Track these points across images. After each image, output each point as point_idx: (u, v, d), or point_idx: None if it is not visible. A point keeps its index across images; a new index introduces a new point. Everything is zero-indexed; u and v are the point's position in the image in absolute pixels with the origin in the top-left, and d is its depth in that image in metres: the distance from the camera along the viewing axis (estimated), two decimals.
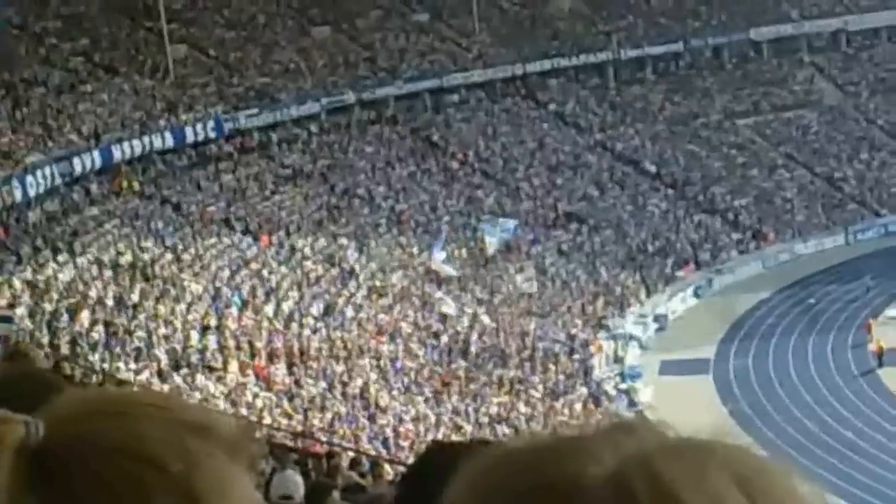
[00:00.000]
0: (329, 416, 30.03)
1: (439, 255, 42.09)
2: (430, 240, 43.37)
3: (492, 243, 44.27)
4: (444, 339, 37.84)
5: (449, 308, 39.35)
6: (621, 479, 0.88)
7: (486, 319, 39.97)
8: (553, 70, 56.94)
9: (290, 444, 20.08)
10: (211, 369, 30.17)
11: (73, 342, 28.15)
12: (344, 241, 42.05)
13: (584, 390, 37.44)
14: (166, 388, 27.61)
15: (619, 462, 0.89)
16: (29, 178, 35.95)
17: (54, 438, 0.96)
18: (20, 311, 28.21)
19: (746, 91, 60.09)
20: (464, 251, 44.32)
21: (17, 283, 30.19)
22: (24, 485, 0.95)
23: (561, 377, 37.82)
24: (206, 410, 1.03)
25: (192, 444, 0.98)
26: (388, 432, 30.58)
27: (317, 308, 36.31)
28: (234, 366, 30.61)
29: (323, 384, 32.08)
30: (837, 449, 33.01)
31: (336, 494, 8.05)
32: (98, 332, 29.13)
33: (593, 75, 58.34)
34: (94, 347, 28.47)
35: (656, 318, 44.37)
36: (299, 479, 8.26)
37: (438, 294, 40.01)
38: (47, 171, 37.02)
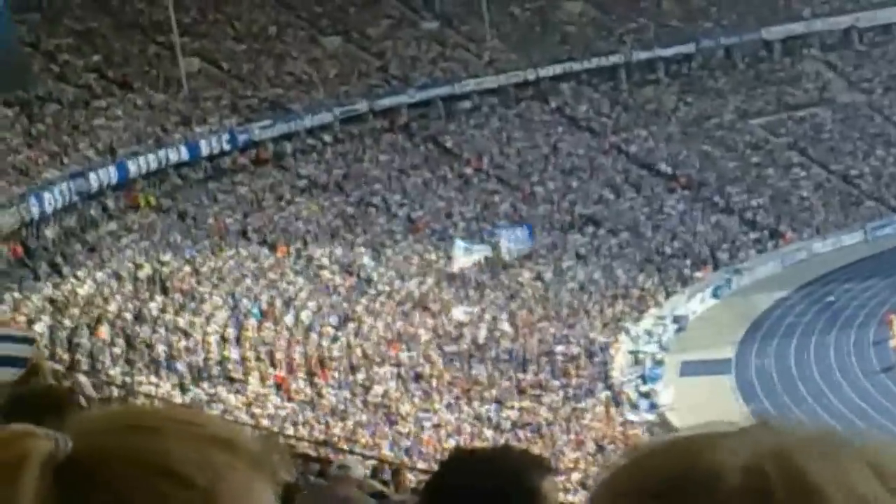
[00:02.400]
0: (350, 424, 30.03)
1: (460, 250, 42.10)
2: (448, 246, 43.33)
3: (509, 250, 44.27)
4: (464, 345, 37.80)
5: (462, 314, 39.32)
6: (757, 470, 0.89)
7: (505, 324, 39.91)
8: (565, 74, 56.91)
9: (311, 453, 20.07)
10: (231, 381, 30.21)
11: (93, 357, 28.22)
12: (360, 249, 42.09)
13: (605, 393, 37.35)
14: (187, 400, 27.66)
15: (756, 454, 0.90)
16: (46, 195, 36.07)
17: (80, 453, 0.96)
18: (39, 327, 28.28)
19: (759, 91, 59.95)
20: (481, 257, 44.26)
21: (36, 300, 30.29)
22: (50, 499, 0.95)
23: (581, 380, 37.74)
24: (229, 424, 1.04)
25: (217, 458, 0.98)
26: (410, 439, 30.56)
27: (335, 317, 36.34)
28: (254, 377, 30.65)
29: (343, 393, 32.09)
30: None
31: None
32: (118, 346, 29.21)
33: (605, 78, 58.28)
34: (114, 361, 28.55)
35: (675, 320, 44.24)
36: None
37: (456, 309, 39.94)
38: (64, 187, 37.14)
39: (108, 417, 1.00)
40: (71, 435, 0.97)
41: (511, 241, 44.22)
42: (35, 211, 35.29)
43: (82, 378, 23.39)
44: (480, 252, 42.83)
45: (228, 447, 0.99)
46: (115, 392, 24.70)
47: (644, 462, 0.93)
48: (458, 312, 39.37)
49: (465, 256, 42.17)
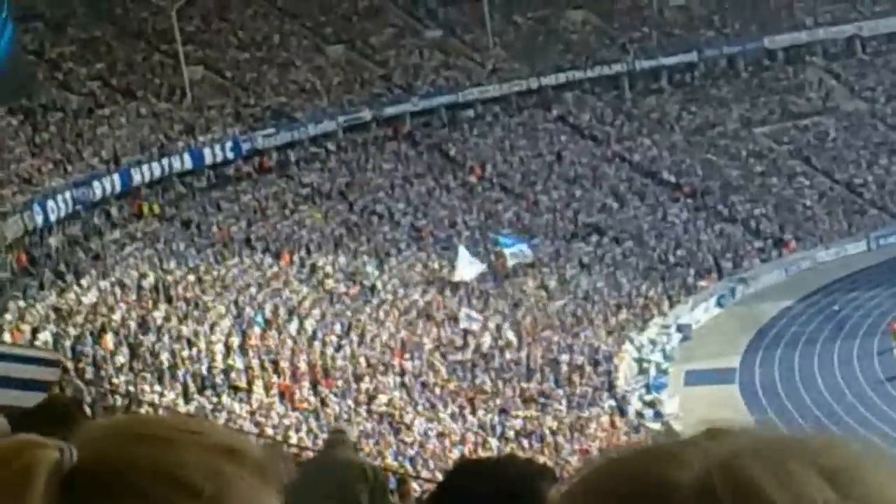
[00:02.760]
0: (355, 433, 29.97)
1: (464, 259, 42.09)
2: (452, 255, 43.31)
3: (513, 257, 44.25)
4: (468, 353, 37.77)
5: (469, 323, 39.28)
6: (706, 483, 0.90)
7: (509, 333, 39.88)
8: (568, 83, 56.94)
9: None
10: (236, 389, 30.17)
11: (98, 365, 28.19)
12: (364, 257, 42.09)
13: (609, 403, 37.31)
14: (192, 409, 27.63)
15: (706, 466, 0.91)
16: (50, 203, 36.09)
17: (87, 463, 0.97)
18: (43, 335, 28.27)
19: (762, 99, 59.98)
20: (484, 265, 44.25)
21: (40, 308, 30.27)
22: None
23: (586, 389, 37.69)
24: (235, 433, 1.04)
25: (224, 467, 0.99)
26: (414, 449, 30.51)
27: (339, 326, 36.32)
28: (258, 386, 30.61)
29: (348, 402, 32.05)
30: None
31: None
32: (122, 355, 29.19)
33: (608, 87, 58.31)
34: (118, 370, 28.52)
35: (680, 329, 44.22)
36: None
37: (463, 311, 39.90)
38: (67, 195, 37.17)
39: (114, 427, 1.01)
40: (77, 445, 0.97)
41: (512, 256, 44.19)
42: (39, 219, 35.32)
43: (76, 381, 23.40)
44: (481, 265, 42.84)
45: (235, 456, 0.99)
46: (120, 401, 24.67)
47: (600, 476, 0.94)
48: (466, 322, 39.31)
49: (468, 267, 42.13)
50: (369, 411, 32.14)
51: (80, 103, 44.13)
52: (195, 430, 1.01)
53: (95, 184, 38.96)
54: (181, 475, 0.96)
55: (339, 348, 34.86)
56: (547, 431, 34.00)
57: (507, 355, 38.44)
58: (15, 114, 41.31)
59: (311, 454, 22.42)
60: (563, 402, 36.53)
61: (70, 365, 27.58)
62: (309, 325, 35.48)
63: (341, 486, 6.70)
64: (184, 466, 0.96)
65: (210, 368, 30.49)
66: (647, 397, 38.76)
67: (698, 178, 54.66)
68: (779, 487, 0.87)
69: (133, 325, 31.32)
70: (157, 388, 28.50)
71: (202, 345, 31.46)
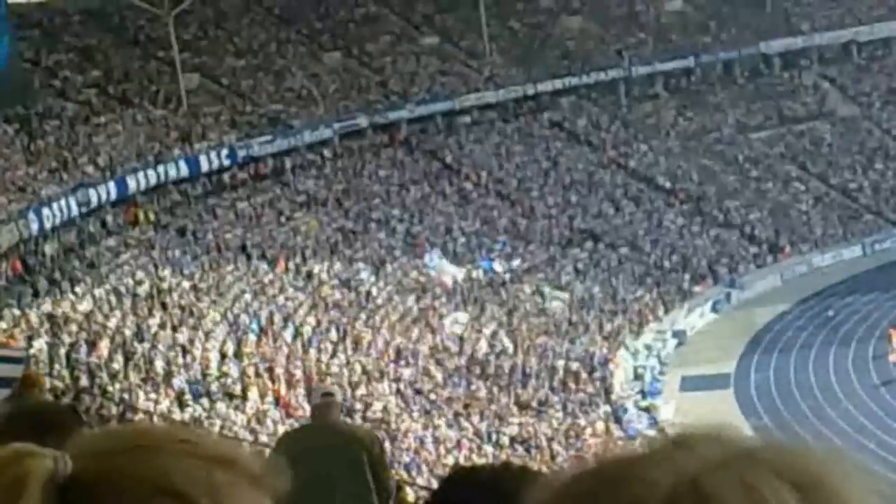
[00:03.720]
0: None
1: (438, 263, 42.23)
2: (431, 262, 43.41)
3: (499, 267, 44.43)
4: (463, 360, 37.79)
5: (457, 325, 39.32)
6: (673, 499, 0.89)
7: (504, 340, 39.90)
8: (564, 89, 56.99)
9: None
10: (231, 397, 30.18)
11: (92, 373, 28.21)
12: (360, 264, 42.10)
13: (605, 409, 37.32)
14: (186, 416, 27.64)
15: (673, 482, 0.90)
16: (45, 211, 36.10)
17: (82, 473, 0.97)
18: (38, 343, 28.29)
19: (758, 105, 60.05)
20: (480, 272, 44.30)
21: (34, 316, 30.29)
22: None
23: (581, 396, 37.71)
24: (228, 442, 1.05)
25: (218, 476, 0.99)
26: (409, 455, 30.52)
27: (334, 332, 36.33)
28: (253, 393, 30.61)
29: (343, 409, 32.04)
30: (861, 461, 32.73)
31: None
32: (117, 362, 29.20)
33: (604, 93, 58.37)
34: (113, 378, 28.53)
35: (675, 334, 44.26)
36: None
37: (451, 316, 39.94)
38: (63, 203, 37.16)
39: (108, 437, 1.02)
40: (71, 454, 0.98)
41: (497, 263, 44.28)
42: (34, 227, 35.31)
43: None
44: (458, 269, 42.94)
45: (229, 465, 1.01)
46: (115, 409, 24.68)
47: (570, 491, 0.95)
48: (450, 323, 39.32)
49: (447, 270, 42.23)
50: (364, 418, 32.13)
51: (77, 111, 44.17)
52: (188, 439, 1.01)
53: (91, 191, 38.96)
54: (175, 485, 0.97)
55: (334, 355, 34.87)
56: (542, 438, 34.01)
57: (503, 362, 38.46)
58: (11, 121, 41.34)
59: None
60: (559, 408, 36.54)
61: (65, 373, 27.63)
62: (304, 331, 35.50)
63: (342, 452, 6.58)
64: (178, 476, 0.97)
65: (205, 376, 30.51)
66: (643, 403, 38.77)
67: (694, 183, 54.71)
68: (743, 502, 0.87)
69: (128, 332, 31.33)
70: (153, 395, 28.51)
71: (197, 352, 31.48)
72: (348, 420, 24.85)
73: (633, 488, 0.90)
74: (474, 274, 43.91)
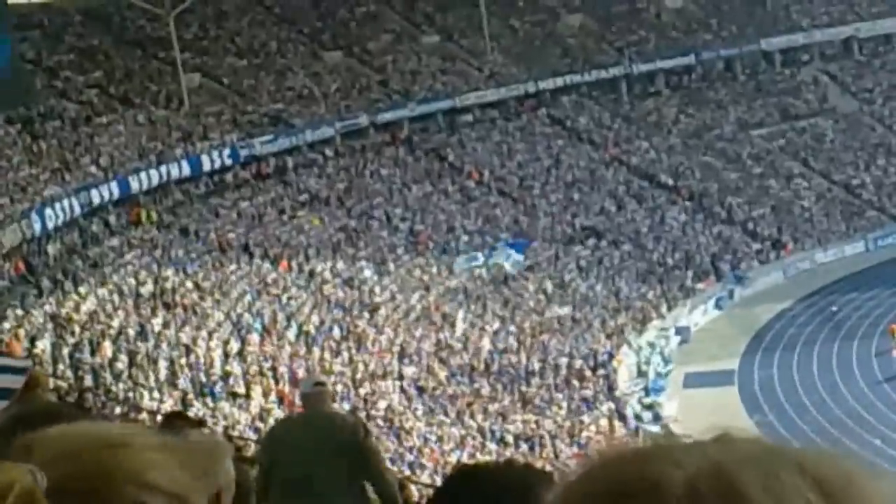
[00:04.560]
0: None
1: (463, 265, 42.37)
2: (449, 259, 43.39)
3: (509, 263, 44.35)
4: (467, 358, 37.79)
5: (461, 322, 39.38)
6: (696, 483, 0.91)
7: (507, 338, 39.90)
8: (566, 87, 56.99)
9: None
10: (234, 396, 30.20)
11: (96, 373, 28.23)
12: (362, 263, 42.11)
13: (608, 406, 37.32)
14: (191, 415, 27.62)
15: (697, 466, 0.92)
16: (48, 211, 36.12)
17: (57, 481, 0.98)
18: (42, 344, 28.30)
19: (760, 102, 60.04)
20: (483, 271, 44.29)
21: (38, 316, 30.30)
22: None
23: (585, 393, 37.71)
24: (162, 435, 1.07)
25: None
26: (413, 454, 30.53)
27: (338, 331, 36.34)
28: (257, 392, 30.64)
29: (346, 407, 32.04)
30: (865, 457, 32.77)
31: None
32: (121, 362, 29.21)
33: (606, 90, 58.37)
34: (117, 378, 28.55)
35: (678, 331, 44.23)
36: None
37: (458, 315, 39.98)
38: (66, 203, 37.19)
39: (70, 439, 1.03)
40: (38, 464, 0.98)
41: (507, 261, 44.25)
42: (37, 227, 35.33)
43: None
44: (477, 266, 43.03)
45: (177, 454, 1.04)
46: (118, 409, 24.68)
47: (596, 471, 0.96)
48: (460, 323, 39.40)
49: (465, 269, 42.32)
50: (368, 416, 32.13)
51: (78, 111, 44.18)
52: (131, 433, 1.04)
53: (93, 191, 38.99)
54: (149, 479, 0.99)
55: (337, 354, 34.89)
56: (546, 435, 34.01)
57: (506, 359, 38.46)
58: (13, 122, 41.35)
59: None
60: (562, 405, 36.54)
61: (69, 373, 27.64)
62: (307, 330, 35.51)
63: (336, 440, 6.57)
64: (151, 471, 1.00)
65: (208, 375, 30.53)
66: (646, 400, 38.77)
67: (696, 180, 54.71)
68: (765, 494, 0.89)
69: (131, 332, 31.35)
70: (156, 395, 28.54)
71: (200, 351, 31.49)
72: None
73: (659, 468, 0.92)
74: (479, 272, 43.91)
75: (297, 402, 31.18)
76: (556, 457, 32.35)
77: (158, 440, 1.04)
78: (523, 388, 36.99)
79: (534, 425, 34.63)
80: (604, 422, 35.65)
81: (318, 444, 6.48)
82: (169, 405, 27.81)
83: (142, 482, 0.99)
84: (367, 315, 38.11)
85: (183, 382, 29.62)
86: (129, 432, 1.04)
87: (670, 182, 54.12)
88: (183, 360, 30.68)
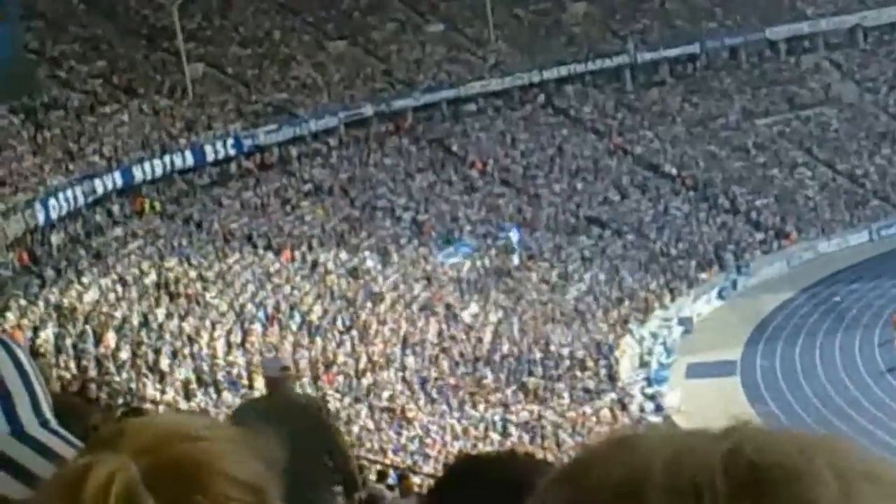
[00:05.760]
0: (356, 429, 30.07)
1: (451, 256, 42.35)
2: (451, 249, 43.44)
3: (515, 250, 44.39)
4: (469, 348, 37.84)
5: (469, 313, 39.41)
6: (725, 469, 0.88)
7: (511, 327, 39.94)
8: (570, 76, 56.92)
9: None
10: (237, 386, 30.26)
11: (100, 363, 28.30)
12: (366, 253, 42.15)
13: (611, 396, 37.36)
14: (193, 406, 27.73)
15: (717, 455, 0.89)
16: (51, 201, 36.19)
17: (149, 473, 0.99)
18: (45, 334, 28.37)
19: (764, 91, 59.92)
20: (486, 260, 44.31)
21: (41, 306, 30.37)
22: None
23: (587, 383, 37.75)
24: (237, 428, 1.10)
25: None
26: (416, 444, 30.60)
27: (341, 321, 36.39)
28: (260, 382, 30.65)
29: (349, 398, 32.13)
30: (868, 448, 32.72)
31: None
32: (124, 352, 29.28)
33: (610, 80, 58.29)
34: (120, 368, 28.61)
35: (681, 322, 44.24)
36: None
37: (463, 307, 40.01)
38: (69, 193, 37.26)
39: (153, 430, 1.04)
40: (129, 456, 1.00)
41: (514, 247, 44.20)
42: (41, 217, 35.40)
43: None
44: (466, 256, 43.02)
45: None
46: (121, 399, 24.75)
47: (582, 462, 0.95)
48: (467, 315, 39.45)
49: (455, 258, 42.33)
50: (371, 407, 32.22)
51: (82, 101, 44.21)
52: (208, 425, 1.06)
53: (97, 181, 39.03)
54: (238, 474, 1.01)
55: (340, 344, 34.94)
56: (548, 426, 34.07)
57: (509, 349, 38.51)
58: (17, 112, 41.41)
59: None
60: (565, 396, 36.59)
61: (72, 364, 27.72)
62: (310, 321, 35.57)
63: (300, 419, 6.71)
64: (235, 462, 1.02)
65: (212, 365, 30.59)
66: (649, 390, 38.81)
67: (700, 170, 54.66)
68: (787, 471, 0.88)
69: (135, 322, 31.42)
70: (159, 385, 28.60)
71: (204, 341, 31.56)
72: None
73: (647, 456, 0.90)
74: (482, 261, 43.93)
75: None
76: (559, 447, 32.40)
77: (233, 432, 1.06)
78: (525, 379, 37.04)
79: (536, 416, 34.68)
80: (606, 412, 35.70)
81: (284, 424, 6.62)
82: (171, 395, 27.89)
83: (225, 474, 1.00)
84: (369, 305, 38.15)
85: (185, 372, 29.69)
86: (207, 424, 1.06)
87: (674, 171, 54.08)
88: (186, 351, 30.74)
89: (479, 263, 43.95)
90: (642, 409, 37.19)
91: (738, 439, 0.90)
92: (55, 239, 35.90)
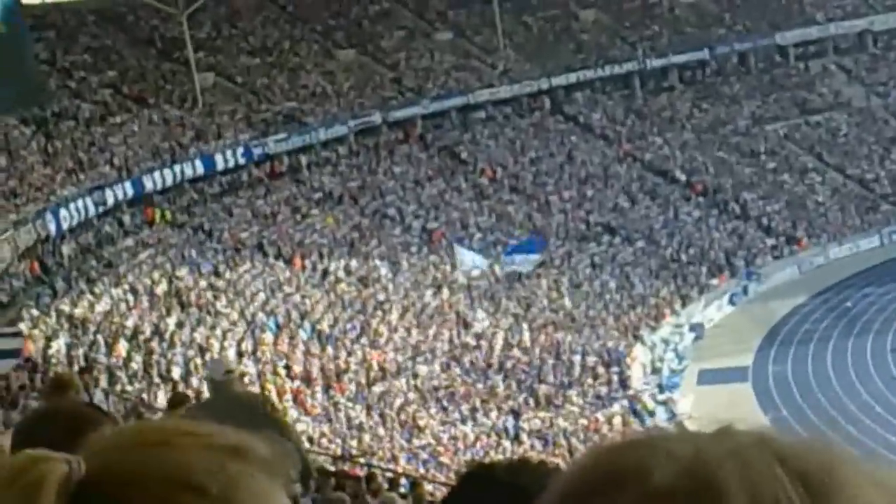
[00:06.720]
0: (367, 437, 30.08)
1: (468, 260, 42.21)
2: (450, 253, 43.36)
3: (525, 263, 44.24)
4: (480, 355, 37.81)
5: (480, 321, 39.36)
6: (674, 475, 0.90)
7: (521, 335, 39.90)
8: (579, 83, 56.91)
9: (329, 467, 20.11)
10: None
11: (111, 373, 28.34)
12: (376, 261, 42.16)
13: (623, 403, 37.30)
14: None
15: (680, 459, 0.91)
16: (62, 212, 36.27)
17: (95, 474, 0.99)
18: (56, 344, 28.43)
19: (774, 96, 59.84)
20: (497, 268, 44.28)
21: (53, 316, 30.44)
22: None
23: (599, 390, 37.70)
24: (238, 432, 1.06)
25: (229, 465, 1.00)
26: (427, 452, 30.58)
27: (352, 330, 36.40)
28: (271, 391, 30.69)
29: (360, 406, 32.13)
30: (881, 453, 32.67)
31: None
32: (136, 362, 29.33)
33: (619, 86, 58.26)
34: (132, 377, 28.66)
35: (692, 328, 44.16)
36: None
37: (473, 314, 39.99)
38: (80, 203, 37.34)
39: (118, 436, 1.03)
40: (84, 456, 0.99)
41: (521, 264, 43.95)
42: (52, 227, 35.48)
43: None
44: (483, 265, 42.87)
45: (240, 454, 1.02)
46: (133, 408, 24.78)
47: (584, 464, 0.98)
48: (477, 323, 39.41)
49: (470, 265, 42.21)
50: (382, 415, 32.22)
51: (92, 111, 44.34)
52: (200, 432, 1.03)
53: (108, 191, 39.12)
54: (186, 477, 0.98)
55: (351, 352, 34.95)
56: (560, 433, 34.02)
57: (520, 357, 38.47)
58: (27, 123, 41.53)
59: (323, 459, 22.52)
60: (577, 403, 36.54)
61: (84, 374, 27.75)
62: (321, 329, 35.58)
63: (252, 419, 6.76)
64: (189, 468, 0.98)
65: None
66: (660, 397, 38.73)
67: (710, 175, 54.59)
68: (741, 487, 0.88)
69: (146, 331, 31.48)
70: (171, 394, 28.60)
71: (215, 350, 31.58)
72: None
73: (640, 457, 0.92)
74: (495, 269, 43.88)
75: (310, 400, 31.29)
76: (571, 454, 32.35)
77: (215, 439, 1.02)
78: (537, 386, 36.99)
79: (548, 423, 34.64)
80: (618, 419, 35.64)
81: (231, 421, 6.71)
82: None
83: (179, 483, 0.98)
84: (380, 313, 38.15)
85: (197, 382, 29.70)
86: (180, 429, 1.03)
87: (684, 178, 54.01)
88: (197, 360, 30.77)
89: (489, 271, 43.89)
90: (654, 416, 37.12)
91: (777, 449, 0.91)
92: (66, 249, 35.98)
